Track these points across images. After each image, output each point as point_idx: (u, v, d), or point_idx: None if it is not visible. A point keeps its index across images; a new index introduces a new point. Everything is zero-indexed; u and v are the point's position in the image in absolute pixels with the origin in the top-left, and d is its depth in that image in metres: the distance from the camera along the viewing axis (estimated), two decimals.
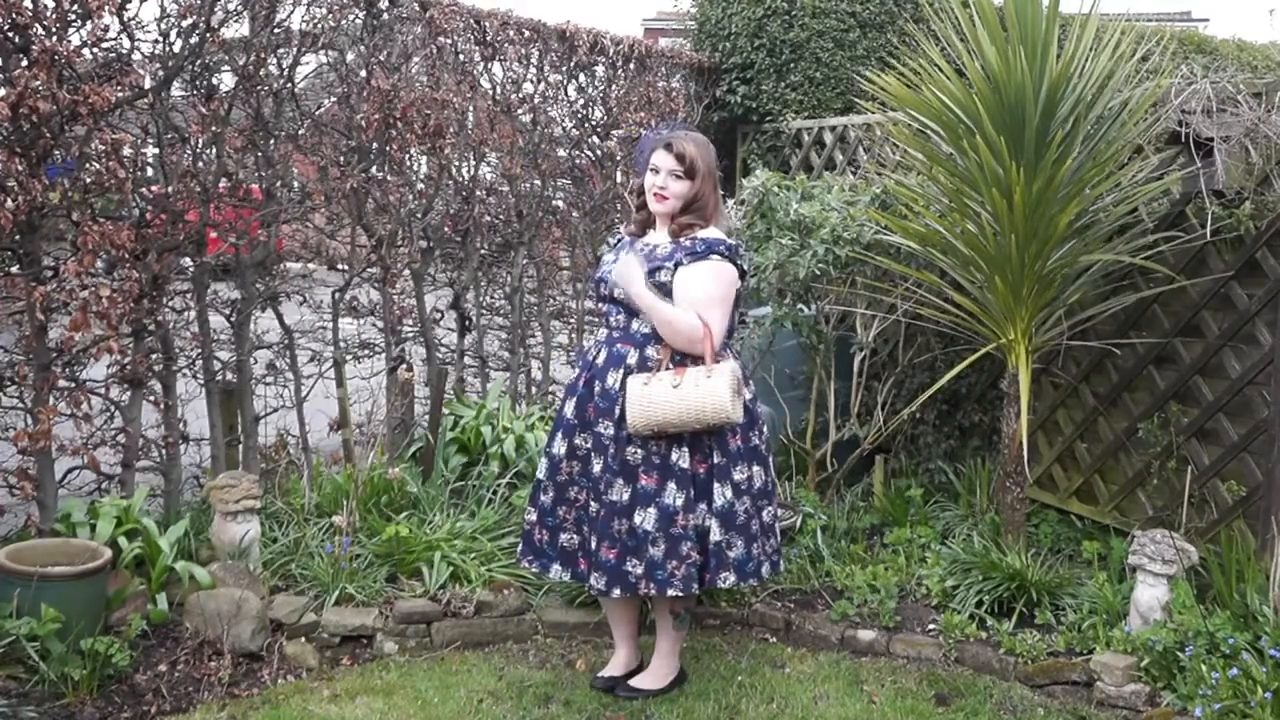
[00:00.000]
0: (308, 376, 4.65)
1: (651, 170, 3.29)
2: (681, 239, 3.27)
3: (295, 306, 4.83)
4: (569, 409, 3.36)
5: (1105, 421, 4.44)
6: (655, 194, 3.28)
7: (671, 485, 3.19)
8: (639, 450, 3.20)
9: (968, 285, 4.07)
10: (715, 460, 3.24)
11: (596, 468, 3.28)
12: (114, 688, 3.14)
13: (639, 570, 3.20)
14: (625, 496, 3.21)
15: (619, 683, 3.41)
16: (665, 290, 3.20)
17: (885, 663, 3.65)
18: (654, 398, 3.10)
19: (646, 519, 3.18)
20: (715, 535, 3.22)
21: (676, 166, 3.25)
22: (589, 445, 3.31)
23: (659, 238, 3.34)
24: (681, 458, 3.20)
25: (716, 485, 3.24)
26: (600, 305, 3.42)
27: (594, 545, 3.28)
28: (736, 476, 3.26)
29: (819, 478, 4.81)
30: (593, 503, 3.30)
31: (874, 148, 5.52)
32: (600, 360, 3.31)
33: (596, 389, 3.29)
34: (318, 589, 3.70)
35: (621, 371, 3.24)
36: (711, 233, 3.29)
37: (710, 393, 3.07)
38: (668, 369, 3.17)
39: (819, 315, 4.66)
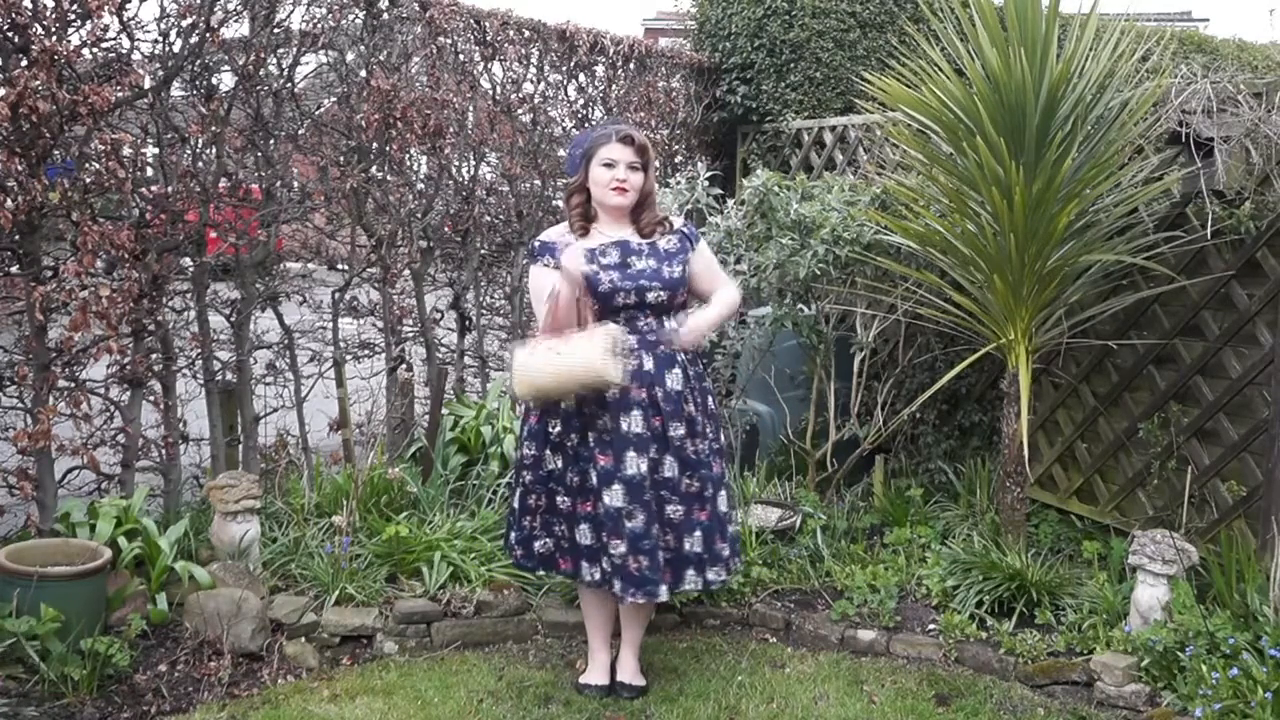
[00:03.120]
0: (308, 376, 4.65)
1: (606, 165, 3.22)
2: (659, 232, 3.31)
3: (295, 306, 4.83)
4: (635, 425, 3.17)
5: (1105, 421, 4.44)
6: (616, 188, 3.22)
7: (724, 465, 3.39)
8: (707, 441, 3.29)
9: (968, 285, 4.07)
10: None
11: (672, 471, 3.23)
12: (114, 688, 3.14)
13: (726, 551, 3.33)
14: (709, 488, 3.29)
15: (611, 687, 3.41)
16: (675, 283, 3.24)
17: (885, 663, 3.65)
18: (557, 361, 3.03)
19: (721, 501, 3.32)
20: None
21: (636, 159, 3.23)
22: (658, 454, 3.22)
23: (620, 232, 3.29)
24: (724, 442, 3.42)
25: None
26: (614, 313, 3.21)
27: (696, 548, 3.26)
28: None
29: (819, 478, 4.81)
30: (699, 511, 3.27)
31: (874, 148, 5.52)
32: (649, 366, 3.20)
33: (659, 395, 3.20)
34: (318, 589, 3.70)
35: (678, 370, 3.25)
36: (677, 221, 3.39)
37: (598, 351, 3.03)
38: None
39: (819, 315, 4.66)
